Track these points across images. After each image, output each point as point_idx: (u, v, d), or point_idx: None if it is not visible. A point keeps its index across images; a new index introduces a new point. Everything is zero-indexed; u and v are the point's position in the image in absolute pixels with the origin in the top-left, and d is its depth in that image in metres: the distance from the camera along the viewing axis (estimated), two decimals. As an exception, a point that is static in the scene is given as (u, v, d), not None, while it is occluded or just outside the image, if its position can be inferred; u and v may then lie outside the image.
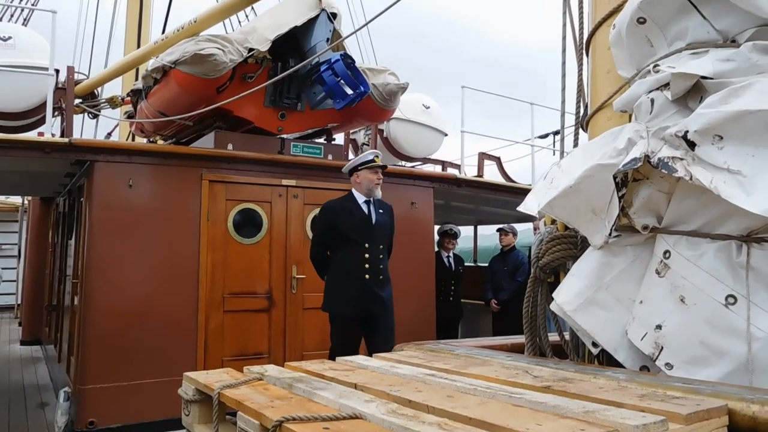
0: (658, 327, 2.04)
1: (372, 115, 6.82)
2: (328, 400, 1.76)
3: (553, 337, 2.64)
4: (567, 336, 2.59)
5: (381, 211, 5.24)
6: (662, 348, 2.02)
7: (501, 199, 8.15)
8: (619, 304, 2.20)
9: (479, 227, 12.03)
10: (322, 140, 7.05)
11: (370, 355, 5.38)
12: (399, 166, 8.81)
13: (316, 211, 6.24)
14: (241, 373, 2.24)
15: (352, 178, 5.24)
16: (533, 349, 2.61)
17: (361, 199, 5.17)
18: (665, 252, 2.09)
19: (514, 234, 8.78)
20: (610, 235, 2.21)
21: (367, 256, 5.03)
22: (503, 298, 8.44)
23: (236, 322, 5.93)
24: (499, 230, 8.87)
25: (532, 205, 2.46)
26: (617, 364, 2.19)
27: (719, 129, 1.92)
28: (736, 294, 1.92)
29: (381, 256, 5.14)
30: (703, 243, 2.01)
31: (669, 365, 2.00)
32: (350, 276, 5.02)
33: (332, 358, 5.43)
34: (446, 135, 9.51)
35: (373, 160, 5.16)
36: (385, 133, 8.99)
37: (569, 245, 2.50)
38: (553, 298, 2.37)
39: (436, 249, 8.19)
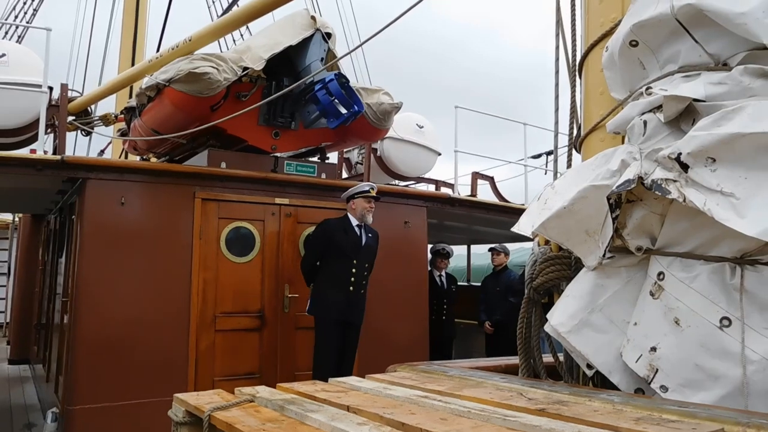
0: (653, 349, 2.04)
1: (366, 134, 6.85)
2: (321, 423, 1.74)
3: (548, 358, 2.63)
4: (561, 357, 2.59)
5: (370, 235, 5.99)
6: (657, 370, 2.01)
7: (494, 219, 8.16)
8: (614, 325, 2.20)
9: (472, 246, 12.09)
10: (315, 159, 7.06)
11: (343, 357, 5.58)
12: (392, 185, 8.81)
13: (310, 229, 6.27)
14: (232, 394, 2.22)
15: (349, 204, 5.92)
16: (527, 370, 2.60)
17: (354, 222, 5.88)
18: (659, 273, 2.09)
19: (506, 254, 8.81)
20: (603, 256, 2.21)
21: (354, 270, 5.77)
22: (496, 320, 8.41)
23: (228, 341, 5.89)
24: (490, 250, 8.89)
25: (525, 226, 2.47)
26: (612, 387, 2.18)
27: (712, 151, 1.94)
28: (731, 316, 1.92)
29: (365, 273, 5.91)
30: (697, 265, 2.01)
31: (664, 388, 1.99)
32: (337, 285, 5.73)
33: (317, 357, 5.58)
34: (440, 154, 9.52)
35: (368, 191, 5.87)
36: (378, 152, 8.98)
37: (563, 266, 2.49)
38: (547, 320, 2.36)
39: (429, 268, 8.18)
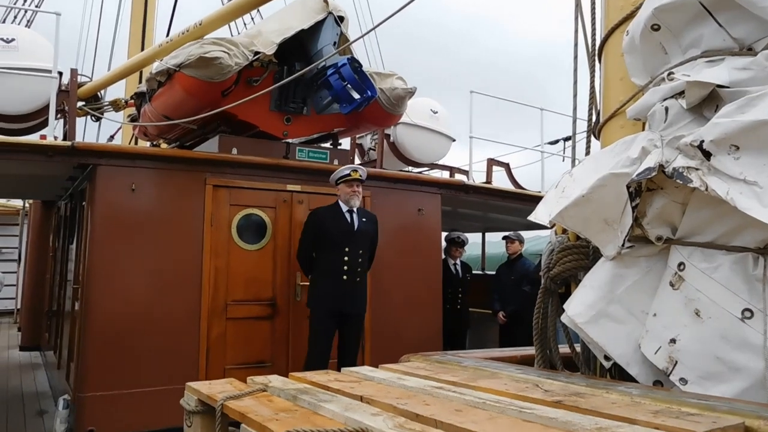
0: (672, 341, 2.03)
1: (379, 120, 6.81)
2: (334, 413, 1.75)
3: (564, 349, 2.63)
4: (578, 348, 2.58)
5: (364, 219, 5.92)
6: (676, 362, 2.01)
7: (510, 207, 8.13)
8: (632, 316, 2.19)
9: (487, 234, 12.06)
10: (328, 145, 7.04)
11: (341, 351, 5.69)
12: (406, 171, 8.80)
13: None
14: (244, 383, 2.24)
15: (337, 190, 5.89)
16: (543, 361, 2.60)
17: (344, 208, 5.84)
18: (679, 264, 2.08)
19: (521, 242, 8.76)
20: (622, 245, 2.21)
21: (346, 259, 5.71)
22: (510, 311, 8.40)
23: (239, 329, 5.93)
24: (504, 238, 8.85)
25: (542, 215, 2.46)
26: (630, 378, 2.18)
27: (735, 139, 1.92)
28: (753, 308, 1.91)
29: (360, 260, 5.80)
30: (719, 255, 2.00)
31: (683, 380, 1.99)
32: (330, 276, 5.68)
33: (309, 349, 5.60)
34: (454, 140, 9.49)
35: (349, 175, 5.78)
36: (392, 138, 8.95)
37: (581, 255, 2.49)
38: (563, 310, 2.36)
39: (443, 256, 8.18)
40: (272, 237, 6.19)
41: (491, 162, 8.48)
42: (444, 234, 8.30)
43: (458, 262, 8.71)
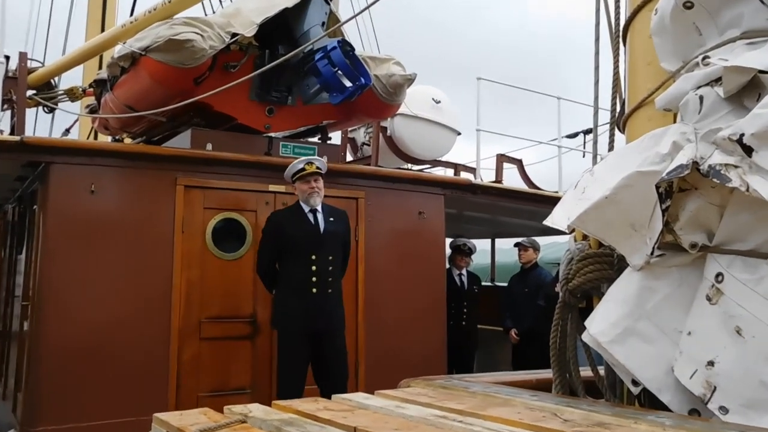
0: (710, 363, 2.03)
1: (374, 110, 6.82)
2: (323, 448, 1.75)
3: (586, 372, 2.62)
4: (602, 372, 2.57)
5: (332, 219, 5.73)
6: (715, 388, 2.00)
7: (523, 209, 8.13)
8: (664, 335, 2.19)
9: (497, 241, 12.05)
10: (315, 139, 7.04)
11: (321, 378, 5.53)
12: (404, 169, 8.74)
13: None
14: (220, 413, 2.23)
15: (293, 188, 5.76)
16: (562, 386, 2.59)
17: (306, 208, 5.67)
18: (717, 275, 2.08)
19: (536, 249, 8.75)
20: (652, 254, 2.20)
21: (314, 268, 5.53)
22: (524, 328, 8.37)
23: (215, 351, 5.89)
24: (517, 245, 8.84)
25: (560, 219, 2.45)
26: (662, 406, 2.16)
27: (781, 132, 1.91)
28: (802, 325, 1.91)
29: (331, 268, 5.64)
30: (763, 265, 2.00)
31: (723, 409, 1.98)
32: (297, 290, 5.52)
33: (280, 378, 5.48)
34: (459, 134, 9.42)
35: (303, 169, 5.57)
36: (388, 132, 8.89)
37: (604, 265, 2.48)
38: (585, 328, 2.35)
39: (447, 266, 8.14)
40: (253, 245, 6.16)
41: (501, 158, 8.47)
42: (448, 240, 8.27)
43: (464, 272, 8.72)
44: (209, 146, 6.11)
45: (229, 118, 6.25)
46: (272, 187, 6.29)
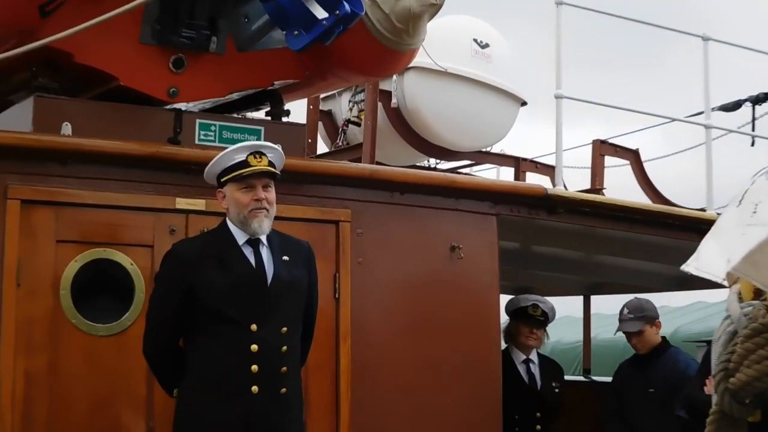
0: None
1: (368, 62, 5.22)
2: None
3: None
4: None
5: (286, 257, 4.20)
6: None
7: (642, 240, 6.15)
8: None
9: (595, 299, 9.46)
10: (262, 115, 5.60)
11: None
12: (424, 168, 6.93)
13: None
14: None
15: (219, 197, 4.20)
16: None
17: (241, 237, 4.12)
18: None
19: (650, 320, 6.25)
20: None
21: (255, 348, 4.06)
22: None
23: None
24: (622, 315, 6.37)
25: (713, 262, 2.19)
26: None
27: None
28: None
29: (284, 348, 4.14)
30: None
31: None
32: (222, 388, 4.04)
33: None
34: (525, 104, 7.16)
35: (245, 162, 4.04)
36: (394, 101, 6.69)
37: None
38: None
39: (504, 345, 6.14)
40: (146, 307, 4.46)
41: (602, 147, 6.31)
42: (504, 299, 6.19)
43: (535, 356, 6.38)
44: (66, 128, 4.59)
45: (104, 77, 4.80)
46: (182, 203, 4.67)
